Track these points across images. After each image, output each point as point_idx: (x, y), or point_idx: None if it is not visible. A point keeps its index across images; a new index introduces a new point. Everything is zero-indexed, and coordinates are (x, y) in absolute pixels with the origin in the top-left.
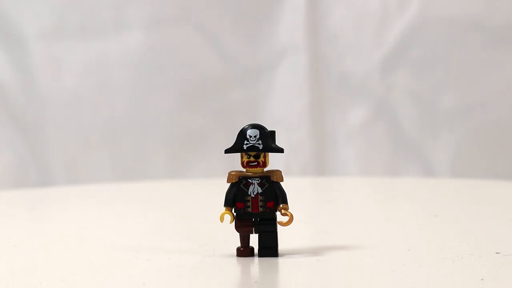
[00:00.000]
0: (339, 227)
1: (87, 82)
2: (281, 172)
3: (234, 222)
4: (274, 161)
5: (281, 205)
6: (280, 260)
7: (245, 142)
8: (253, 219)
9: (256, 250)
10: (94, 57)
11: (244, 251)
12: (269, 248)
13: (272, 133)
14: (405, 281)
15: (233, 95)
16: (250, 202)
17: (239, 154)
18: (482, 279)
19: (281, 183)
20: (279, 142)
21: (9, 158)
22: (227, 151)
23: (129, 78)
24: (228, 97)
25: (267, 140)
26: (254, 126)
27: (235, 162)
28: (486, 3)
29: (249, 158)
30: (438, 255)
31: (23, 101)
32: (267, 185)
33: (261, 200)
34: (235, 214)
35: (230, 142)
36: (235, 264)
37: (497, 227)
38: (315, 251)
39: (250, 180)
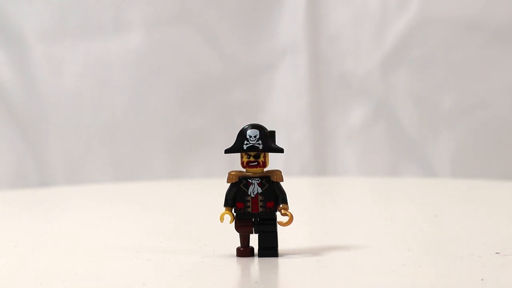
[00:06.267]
0: (339, 227)
1: (87, 82)
2: (281, 172)
3: (234, 222)
4: (274, 161)
5: (281, 205)
6: (280, 260)
7: (245, 142)
8: (253, 219)
9: (256, 250)
10: (94, 57)
11: (244, 251)
12: (269, 248)
13: (272, 133)
14: (405, 281)
15: (233, 95)
16: (250, 202)
17: (239, 154)
18: (482, 279)
19: (281, 183)
20: (279, 142)
21: (9, 158)
22: (227, 151)
23: (129, 78)
24: (228, 97)
25: (267, 140)
26: (254, 126)
27: (235, 162)
28: (486, 3)
29: (249, 158)
30: (438, 255)
31: (23, 101)
32: (267, 185)
33: (261, 200)
34: (235, 214)
35: (230, 142)
36: (235, 264)
37: (497, 227)
38: (315, 251)
39: (250, 180)
